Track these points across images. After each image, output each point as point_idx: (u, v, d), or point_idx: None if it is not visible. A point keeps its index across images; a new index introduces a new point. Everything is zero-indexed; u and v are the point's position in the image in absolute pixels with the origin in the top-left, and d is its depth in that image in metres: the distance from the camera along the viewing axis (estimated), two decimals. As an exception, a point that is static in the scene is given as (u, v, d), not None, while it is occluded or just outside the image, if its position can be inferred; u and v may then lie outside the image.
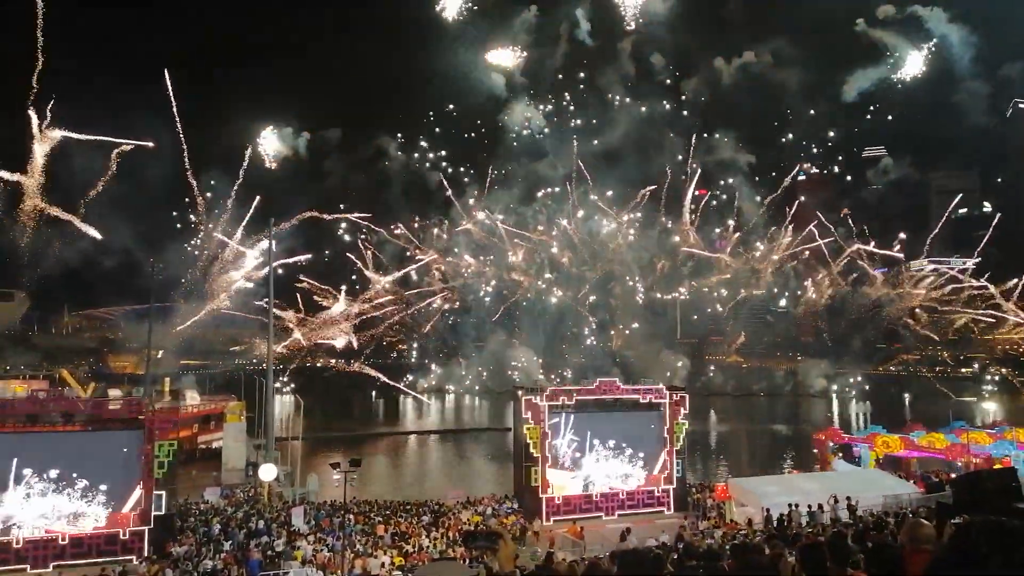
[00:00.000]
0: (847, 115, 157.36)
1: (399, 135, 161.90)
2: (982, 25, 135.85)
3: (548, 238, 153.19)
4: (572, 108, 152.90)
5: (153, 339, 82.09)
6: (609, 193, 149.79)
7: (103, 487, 31.86)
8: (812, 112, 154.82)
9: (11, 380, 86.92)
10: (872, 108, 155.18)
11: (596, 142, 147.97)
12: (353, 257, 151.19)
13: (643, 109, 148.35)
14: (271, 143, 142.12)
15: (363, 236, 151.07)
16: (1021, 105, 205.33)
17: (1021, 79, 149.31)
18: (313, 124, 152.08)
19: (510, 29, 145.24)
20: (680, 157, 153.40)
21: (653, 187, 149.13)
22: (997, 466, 34.63)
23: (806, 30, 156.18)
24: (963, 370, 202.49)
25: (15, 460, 30.79)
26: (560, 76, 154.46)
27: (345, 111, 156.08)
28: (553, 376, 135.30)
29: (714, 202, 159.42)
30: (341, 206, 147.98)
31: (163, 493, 32.46)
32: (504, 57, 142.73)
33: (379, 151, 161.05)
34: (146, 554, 30.87)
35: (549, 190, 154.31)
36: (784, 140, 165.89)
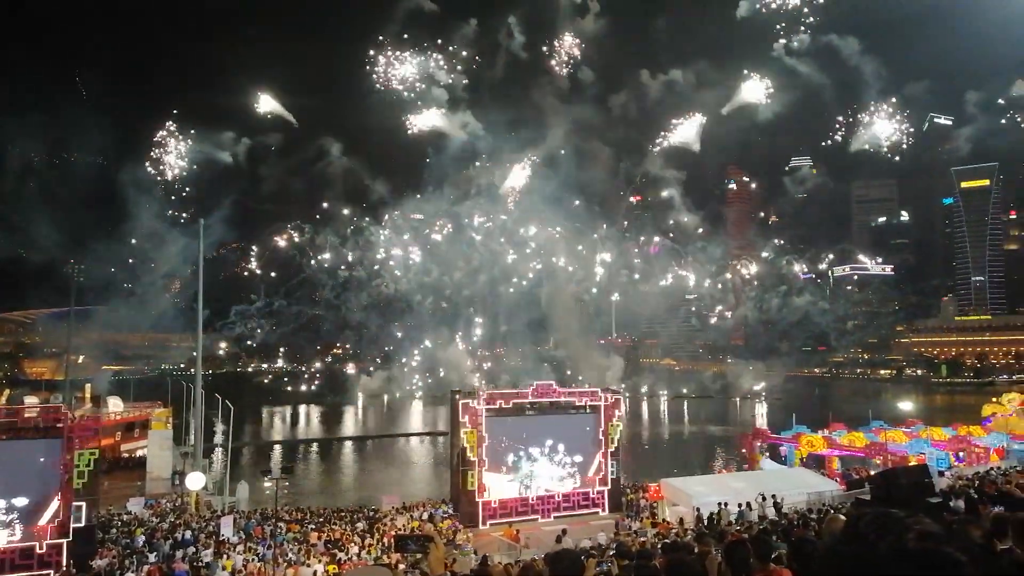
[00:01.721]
0: (769, 132, 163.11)
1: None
2: (888, 51, 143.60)
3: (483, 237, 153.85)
4: (508, 118, 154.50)
5: (74, 342, 78.81)
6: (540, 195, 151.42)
7: (18, 499, 30.30)
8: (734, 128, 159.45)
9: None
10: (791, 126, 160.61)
11: (531, 151, 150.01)
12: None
13: (574, 119, 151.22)
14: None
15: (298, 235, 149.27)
16: (937, 120, 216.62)
17: (925, 96, 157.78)
18: (251, 129, 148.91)
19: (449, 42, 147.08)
20: (615, 165, 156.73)
21: (580, 198, 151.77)
22: (912, 463, 36.39)
23: (726, 54, 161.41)
24: (882, 371, 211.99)
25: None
26: (498, 87, 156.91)
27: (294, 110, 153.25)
28: (483, 373, 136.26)
29: (647, 212, 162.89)
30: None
31: (83, 504, 31.06)
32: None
33: (321, 153, 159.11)
34: (65, 568, 29.52)
35: (482, 191, 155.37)
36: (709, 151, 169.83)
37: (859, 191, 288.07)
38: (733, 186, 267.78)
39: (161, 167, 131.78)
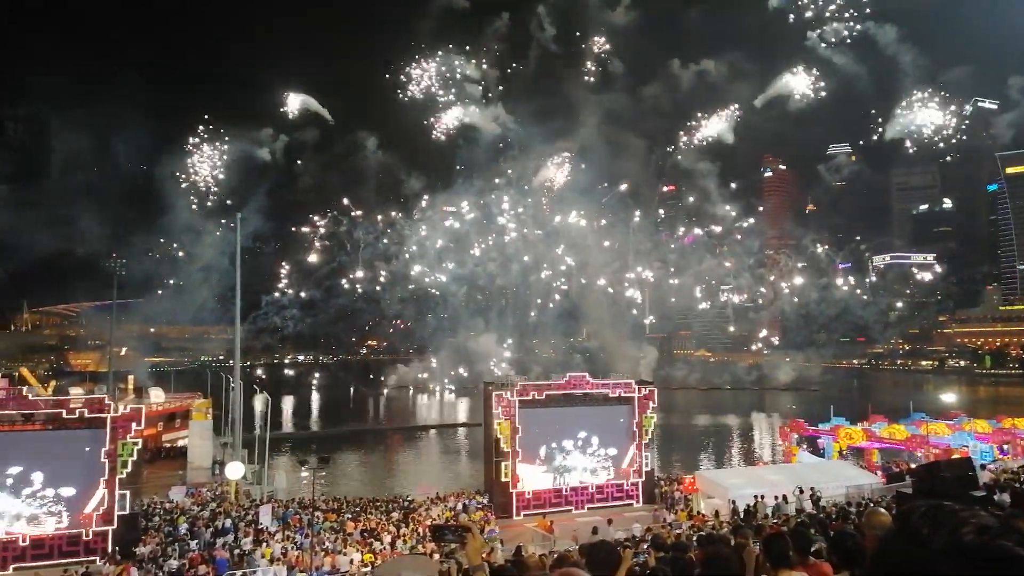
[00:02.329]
0: (805, 122, 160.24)
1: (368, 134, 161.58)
2: (927, 37, 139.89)
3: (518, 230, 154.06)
4: (539, 110, 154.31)
5: (116, 335, 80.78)
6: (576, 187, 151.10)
7: (65, 487, 31.22)
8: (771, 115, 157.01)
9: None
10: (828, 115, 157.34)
11: (563, 143, 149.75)
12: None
13: (607, 111, 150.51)
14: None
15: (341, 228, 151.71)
16: (981, 104, 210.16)
17: (967, 81, 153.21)
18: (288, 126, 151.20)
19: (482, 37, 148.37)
20: (647, 156, 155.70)
21: (616, 188, 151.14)
22: (955, 456, 35.60)
23: (759, 44, 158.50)
24: (924, 363, 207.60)
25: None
26: (530, 80, 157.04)
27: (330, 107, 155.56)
28: (515, 364, 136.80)
29: (680, 203, 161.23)
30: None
31: (127, 493, 31.90)
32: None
33: (356, 148, 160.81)
34: (110, 555, 30.35)
35: (514, 183, 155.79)
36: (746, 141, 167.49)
37: (899, 178, 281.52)
38: (769, 174, 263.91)
39: (199, 164, 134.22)
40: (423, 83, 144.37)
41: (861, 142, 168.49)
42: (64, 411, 31.79)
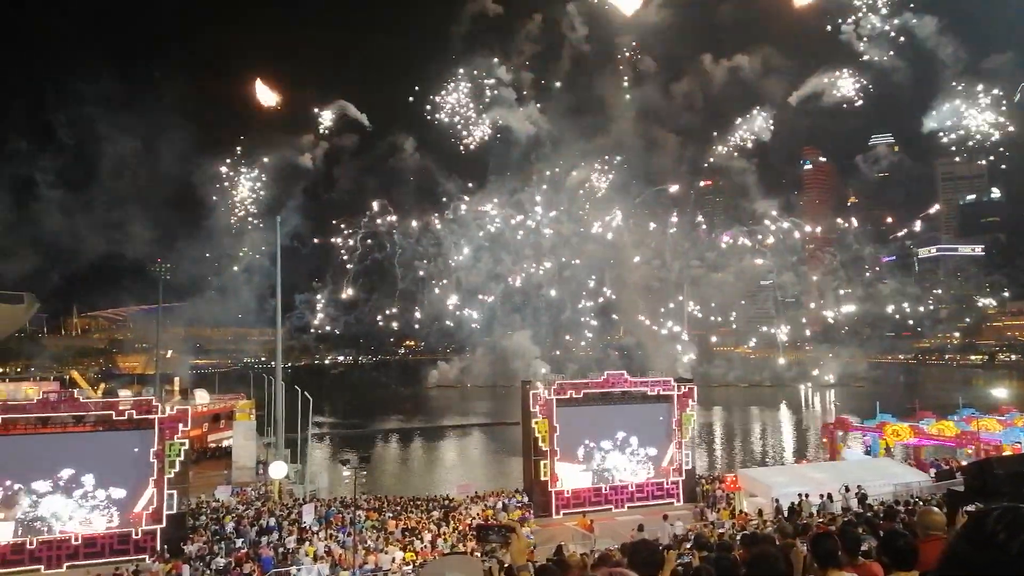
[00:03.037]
0: (843, 115, 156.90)
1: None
2: (968, 24, 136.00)
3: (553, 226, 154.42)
4: (574, 109, 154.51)
5: (162, 338, 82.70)
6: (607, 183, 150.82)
7: (115, 487, 32.07)
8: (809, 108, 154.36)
9: (22, 382, 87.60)
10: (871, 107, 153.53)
11: (598, 140, 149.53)
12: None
13: (640, 108, 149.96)
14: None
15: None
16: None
17: (1010, 69, 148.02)
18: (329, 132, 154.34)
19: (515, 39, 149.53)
20: (682, 152, 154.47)
21: (661, 187, 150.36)
22: (1007, 452, 34.54)
23: (792, 39, 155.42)
24: (973, 357, 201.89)
25: (28, 462, 31.04)
26: (563, 80, 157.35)
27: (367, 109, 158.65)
28: (551, 362, 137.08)
29: (718, 198, 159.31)
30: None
31: (174, 492, 32.64)
32: None
33: (393, 152, 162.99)
34: (159, 553, 31.07)
35: (548, 181, 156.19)
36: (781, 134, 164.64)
37: (944, 168, 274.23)
38: (809, 167, 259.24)
39: (241, 178, 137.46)
40: (453, 104, 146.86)
41: (903, 133, 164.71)
42: (114, 413, 32.63)
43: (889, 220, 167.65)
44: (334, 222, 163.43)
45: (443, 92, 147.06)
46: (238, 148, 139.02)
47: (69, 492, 31.37)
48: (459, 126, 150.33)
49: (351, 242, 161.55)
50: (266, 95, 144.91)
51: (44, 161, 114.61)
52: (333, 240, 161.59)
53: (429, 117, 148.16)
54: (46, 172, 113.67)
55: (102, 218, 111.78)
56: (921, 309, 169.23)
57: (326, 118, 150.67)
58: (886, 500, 29.08)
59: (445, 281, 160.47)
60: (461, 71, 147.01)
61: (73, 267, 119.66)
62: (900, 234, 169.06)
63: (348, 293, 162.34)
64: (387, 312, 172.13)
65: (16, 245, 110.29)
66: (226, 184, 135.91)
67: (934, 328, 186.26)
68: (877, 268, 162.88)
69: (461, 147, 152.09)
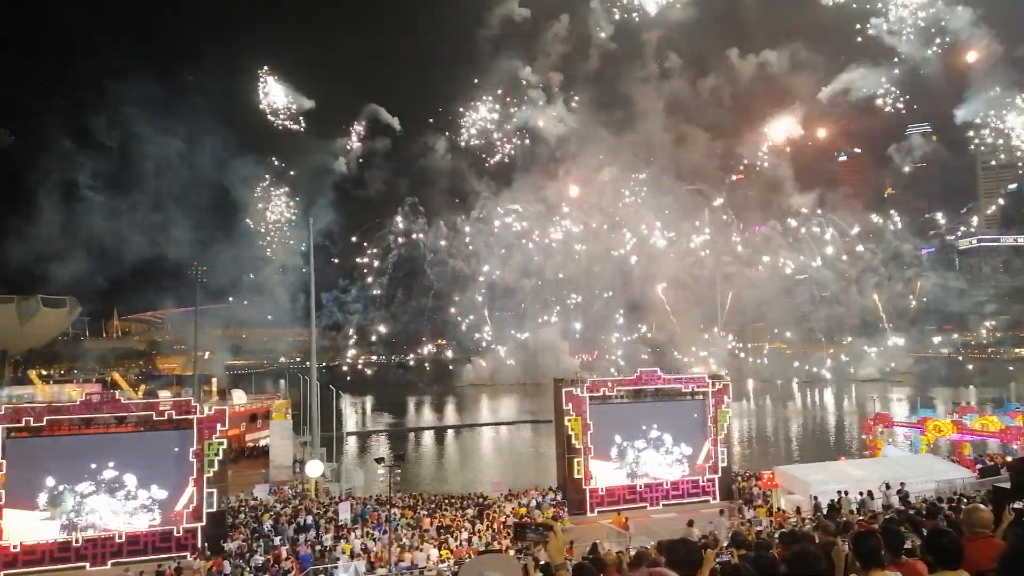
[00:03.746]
0: (875, 109, 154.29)
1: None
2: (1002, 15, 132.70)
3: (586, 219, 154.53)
4: (602, 107, 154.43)
5: (200, 340, 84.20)
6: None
7: (156, 486, 32.74)
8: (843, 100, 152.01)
9: (65, 384, 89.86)
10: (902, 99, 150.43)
11: (626, 138, 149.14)
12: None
13: (668, 104, 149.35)
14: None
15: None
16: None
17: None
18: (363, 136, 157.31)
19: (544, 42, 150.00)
20: (712, 147, 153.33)
21: (693, 188, 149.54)
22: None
23: (818, 33, 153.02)
24: (1017, 350, 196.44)
25: (72, 462, 31.83)
26: (591, 78, 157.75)
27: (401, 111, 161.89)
28: (582, 359, 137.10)
29: (751, 192, 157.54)
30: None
31: (214, 491, 33.20)
32: None
33: (425, 153, 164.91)
34: (200, 550, 31.64)
35: (578, 180, 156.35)
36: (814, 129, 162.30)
37: (984, 157, 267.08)
38: (844, 158, 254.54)
39: (274, 173, 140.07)
40: (481, 117, 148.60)
41: (938, 124, 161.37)
42: (154, 413, 33.30)
43: (932, 213, 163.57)
44: (365, 227, 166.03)
45: (471, 104, 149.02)
46: (272, 153, 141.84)
47: (112, 491, 32.09)
48: (488, 135, 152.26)
49: (383, 242, 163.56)
50: (300, 100, 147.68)
51: (84, 166, 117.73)
52: (364, 241, 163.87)
53: (458, 135, 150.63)
54: (86, 177, 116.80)
55: (141, 222, 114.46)
56: (962, 302, 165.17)
57: (358, 122, 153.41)
58: (929, 497, 28.47)
59: (475, 279, 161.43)
60: (489, 78, 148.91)
61: (113, 270, 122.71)
62: (940, 226, 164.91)
63: (379, 292, 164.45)
64: (418, 310, 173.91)
65: (59, 250, 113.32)
66: (262, 187, 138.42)
67: (976, 321, 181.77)
68: (917, 261, 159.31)
69: (487, 160, 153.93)
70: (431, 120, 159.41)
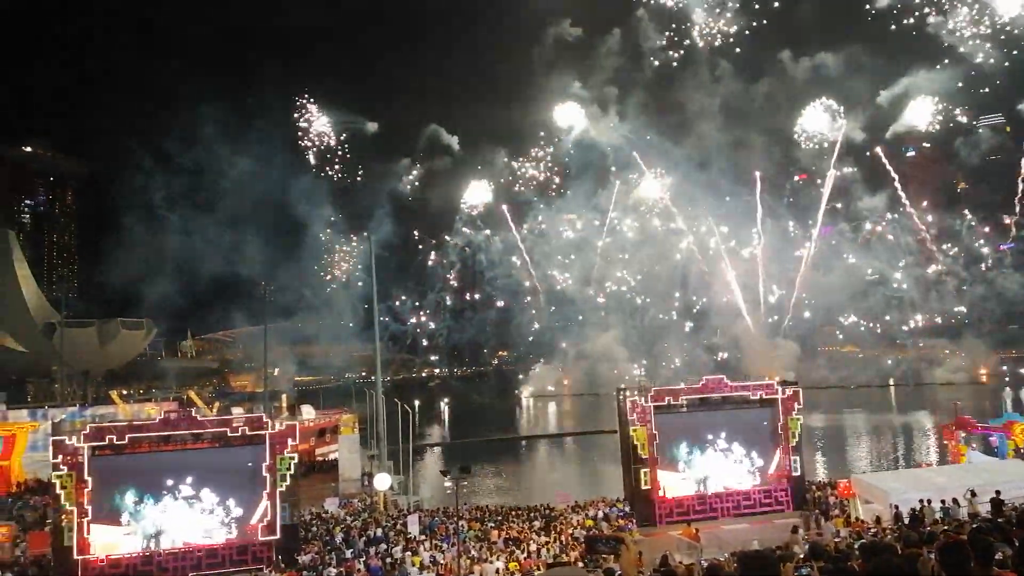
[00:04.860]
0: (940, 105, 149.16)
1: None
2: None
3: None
4: (657, 116, 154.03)
5: (269, 357, 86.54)
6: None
7: (232, 500, 33.70)
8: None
9: (144, 403, 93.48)
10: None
11: (684, 143, 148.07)
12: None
13: (724, 109, 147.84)
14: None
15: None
16: None
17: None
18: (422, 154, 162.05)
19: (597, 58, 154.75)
20: (771, 151, 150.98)
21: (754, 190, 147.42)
22: None
23: (877, 35, 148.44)
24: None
25: (152, 477, 33.06)
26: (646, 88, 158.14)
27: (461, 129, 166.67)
28: (641, 367, 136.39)
29: (815, 192, 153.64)
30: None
31: (287, 504, 33.97)
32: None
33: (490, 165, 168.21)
34: (274, 563, 32.38)
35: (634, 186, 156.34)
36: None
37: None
38: (912, 153, 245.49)
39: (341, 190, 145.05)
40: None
41: (1009, 115, 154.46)
42: (228, 430, 34.32)
43: (1005, 205, 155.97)
44: (426, 243, 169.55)
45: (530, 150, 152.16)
46: (336, 170, 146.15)
47: (190, 505, 33.18)
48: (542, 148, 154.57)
49: (445, 256, 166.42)
50: (366, 123, 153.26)
51: (154, 192, 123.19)
52: (427, 257, 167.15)
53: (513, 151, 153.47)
54: (158, 202, 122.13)
55: (212, 243, 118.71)
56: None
57: (420, 142, 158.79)
58: (1020, 505, 27.04)
59: (536, 291, 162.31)
60: (544, 96, 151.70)
61: (187, 292, 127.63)
62: (1018, 221, 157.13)
63: (441, 305, 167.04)
64: (480, 323, 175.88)
65: (135, 273, 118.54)
66: (329, 204, 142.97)
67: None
68: (996, 257, 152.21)
69: (544, 172, 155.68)
70: (488, 138, 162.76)
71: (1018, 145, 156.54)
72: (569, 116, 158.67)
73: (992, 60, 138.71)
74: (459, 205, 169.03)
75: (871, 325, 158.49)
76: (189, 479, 33.27)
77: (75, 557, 31.04)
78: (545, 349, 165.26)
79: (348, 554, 32.75)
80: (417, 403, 75.16)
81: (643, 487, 37.76)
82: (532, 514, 39.23)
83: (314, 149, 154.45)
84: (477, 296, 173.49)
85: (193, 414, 36.73)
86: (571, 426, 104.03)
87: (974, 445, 46.22)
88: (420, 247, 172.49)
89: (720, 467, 39.09)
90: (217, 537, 33.15)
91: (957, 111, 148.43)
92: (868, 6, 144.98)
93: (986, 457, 42.80)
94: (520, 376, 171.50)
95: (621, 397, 39.81)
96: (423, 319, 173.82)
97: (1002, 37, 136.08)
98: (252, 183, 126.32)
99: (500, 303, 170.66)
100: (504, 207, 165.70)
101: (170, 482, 33.08)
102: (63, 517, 31.32)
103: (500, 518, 38.82)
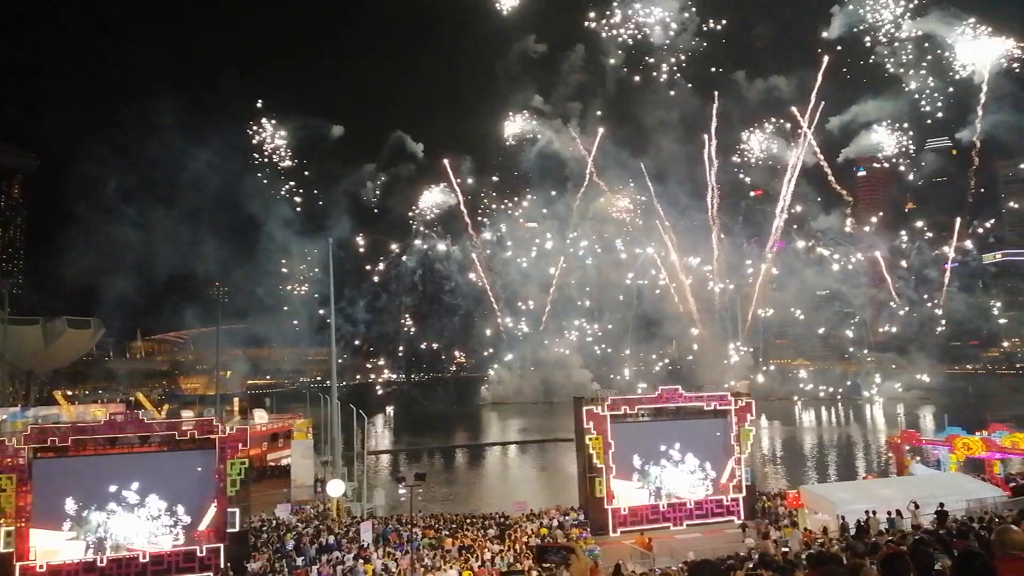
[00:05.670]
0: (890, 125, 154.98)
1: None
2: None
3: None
4: (616, 131, 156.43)
5: (221, 360, 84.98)
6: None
7: (180, 505, 32.90)
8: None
9: (90, 404, 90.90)
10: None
11: (640, 159, 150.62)
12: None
13: (680, 123, 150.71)
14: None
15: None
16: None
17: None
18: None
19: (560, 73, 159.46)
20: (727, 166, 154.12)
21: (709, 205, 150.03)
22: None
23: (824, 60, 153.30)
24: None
25: (97, 481, 32.11)
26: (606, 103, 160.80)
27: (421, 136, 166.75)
28: (596, 376, 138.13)
29: (769, 208, 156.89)
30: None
31: (236, 510, 33.28)
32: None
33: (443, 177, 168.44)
34: (223, 570, 31.70)
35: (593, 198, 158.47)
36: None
37: (1006, 169, 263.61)
38: (863, 173, 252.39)
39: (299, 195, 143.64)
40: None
41: (957, 129, 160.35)
42: (176, 433, 33.54)
43: (953, 228, 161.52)
44: (388, 245, 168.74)
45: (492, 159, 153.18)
46: (299, 176, 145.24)
47: (136, 510, 32.30)
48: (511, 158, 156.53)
49: (404, 262, 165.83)
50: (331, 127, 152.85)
51: (105, 189, 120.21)
52: (385, 262, 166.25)
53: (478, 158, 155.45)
54: (109, 200, 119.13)
55: (162, 243, 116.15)
56: (988, 317, 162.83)
57: (385, 148, 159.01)
58: (959, 517, 27.91)
59: (495, 298, 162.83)
60: (508, 107, 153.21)
61: (136, 291, 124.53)
62: (963, 240, 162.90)
63: (399, 312, 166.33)
64: (438, 329, 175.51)
65: (84, 271, 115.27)
66: (288, 207, 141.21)
67: (1002, 337, 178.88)
68: (940, 275, 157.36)
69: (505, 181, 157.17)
70: (452, 145, 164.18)
71: (962, 169, 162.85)
72: (518, 129, 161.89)
73: (937, 93, 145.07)
74: (420, 212, 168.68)
75: (821, 340, 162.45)
76: (136, 483, 32.38)
77: (14, 563, 29.98)
78: (502, 356, 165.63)
79: (299, 562, 32.24)
80: (373, 409, 74.59)
81: (597, 495, 38.00)
82: (487, 522, 39.12)
83: (267, 155, 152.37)
84: (435, 303, 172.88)
85: (141, 416, 35.79)
86: (527, 434, 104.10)
87: (918, 458, 47.55)
88: (380, 252, 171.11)
89: (674, 477, 39.54)
90: (164, 543, 32.31)
91: (903, 138, 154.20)
92: (825, 34, 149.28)
93: (929, 470, 44.07)
94: (480, 384, 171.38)
95: (578, 407, 40.03)
96: (381, 325, 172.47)
97: (950, 74, 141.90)
98: (207, 180, 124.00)
99: (459, 310, 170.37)
100: (464, 213, 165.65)
101: (115, 486, 32.16)
102: (2, 522, 30.23)
103: (454, 526, 38.64)
